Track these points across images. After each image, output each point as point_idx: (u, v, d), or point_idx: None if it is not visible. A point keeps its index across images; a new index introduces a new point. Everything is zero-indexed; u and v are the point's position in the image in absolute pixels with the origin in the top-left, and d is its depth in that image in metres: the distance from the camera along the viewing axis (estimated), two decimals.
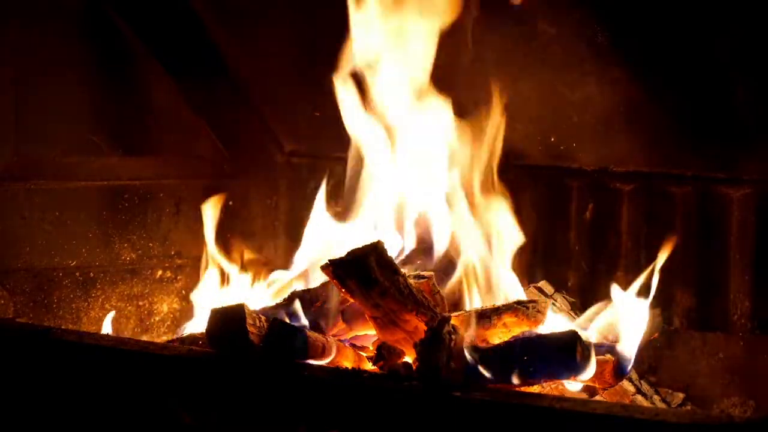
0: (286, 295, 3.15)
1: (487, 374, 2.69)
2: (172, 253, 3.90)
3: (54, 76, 3.74)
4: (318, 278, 3.17)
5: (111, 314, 3.63)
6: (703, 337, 3.55)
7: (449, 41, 3.31)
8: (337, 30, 3.55)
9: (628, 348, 2.97)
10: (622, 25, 3.32)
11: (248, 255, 3.75)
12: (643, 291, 3.20)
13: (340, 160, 3.86)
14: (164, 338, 3.66)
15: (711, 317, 3.56)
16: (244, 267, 3.69)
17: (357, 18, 3.32)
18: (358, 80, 3.39)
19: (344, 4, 3.43)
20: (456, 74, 3.41)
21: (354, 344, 3.05)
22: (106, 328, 3.57)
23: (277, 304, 3.11)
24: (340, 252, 2.91)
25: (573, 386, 2.97)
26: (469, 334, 2.77)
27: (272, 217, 4.12)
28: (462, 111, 3.39)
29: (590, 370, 2.75)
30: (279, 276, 3.46)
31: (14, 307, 3.48)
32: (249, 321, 2.83)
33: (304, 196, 4.00)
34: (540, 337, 2.80)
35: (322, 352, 2.91)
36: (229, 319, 2.86)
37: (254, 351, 2.81)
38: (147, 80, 3.96)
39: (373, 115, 3.38)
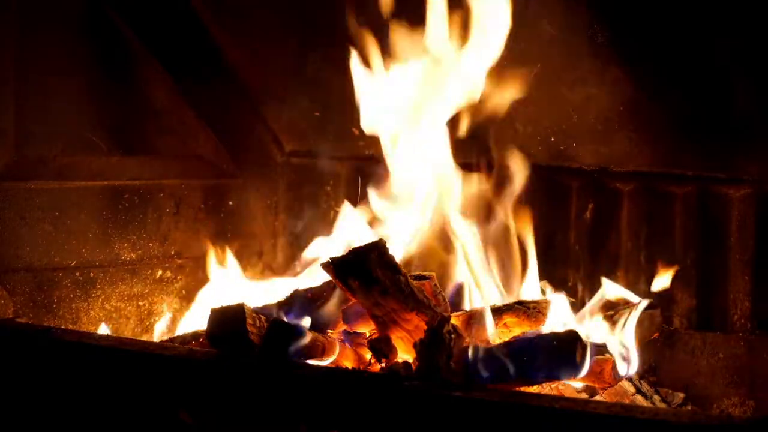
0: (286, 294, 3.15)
1: (487, 374, 2.69)
2: (172, 253, 3.90)
3: (54, 76, 3.74)
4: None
5: (102, 326, 3.64)
6: (703, 337, 3.55)
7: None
8: (337, 30, 3.56)
9: (630, 350, 2.98)
10: (622, 25, 3.32)
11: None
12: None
13: (340, 159, 3.87)
14: (164, 338, 3.65)
15: (711, 317, 3.56)
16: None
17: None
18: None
19: (343, 5, 3.44)
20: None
21: (355, 332, 3.05)
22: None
23: (277, 303, 3.11)
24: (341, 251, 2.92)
25: (574, 385, 2.97)
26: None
27: (272, 217, 4.12)
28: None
29: (585, 368, 2.76)
30: None
31: (14, 307, 3.48)
32: (249, 321, 2.84)
33: (304, 196, 4.01)
34: (540, 337, 2.80)
35: (323, 352, 2.91)
36: (229, 319, 2.86)
37: (254, 351, 2.82)
38: (147, 80, 3.96)
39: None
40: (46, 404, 2.90)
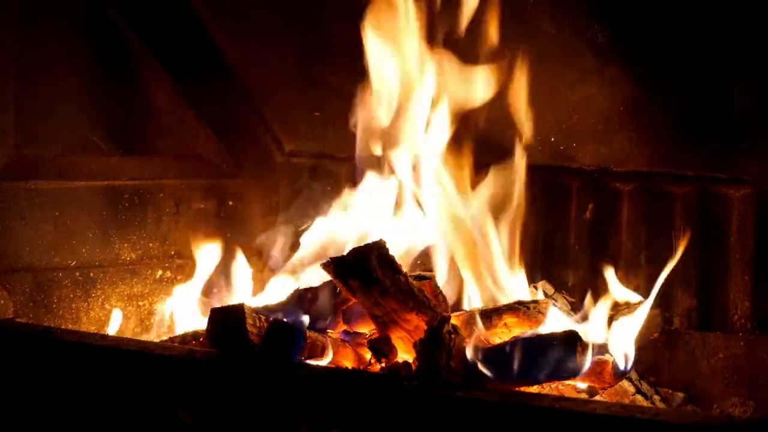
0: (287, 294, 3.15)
1: (487, 374, 2.69)
2: (172, 253, 3.90)
3: (54, 76, 3.74)
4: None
5: (116, 313, 3.64)
6: (703, 337, 3.55)
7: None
8: (337, 30, 3.56)
9: (627, 348, 2.98)
10: (622, 25, 3.32)
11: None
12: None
13: (340, 160, 3.87)
14: (164, 338, 3.65)
15: (711, 317, 3.56)
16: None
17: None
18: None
19: (344, 4, 3.44)
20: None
21: (355, 332, 3.05)
22: (114, 324, 3.58)
23: (277, 303, 3.11)
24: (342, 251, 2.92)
25: (583, 386, 2.97)
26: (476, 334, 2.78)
27: (272, 217, 4.12)
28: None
29: (585, 368, 2.76)
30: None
31: (14, 307, 3.48)
32: (249, 321, 2.84)
33: (304, 196, 4.01)
34: (540, 337, 2.80)
35: (322, 352, 2.91)
36: (228, 319, 2.86)
37: (254, 351, 2.82)
38: (147, 80, 3.96)
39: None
40: (46, 404, 2.90)
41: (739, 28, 3.18)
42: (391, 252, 2.92)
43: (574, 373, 2.75)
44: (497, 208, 3.38)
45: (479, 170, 3.42)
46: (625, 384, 3.17)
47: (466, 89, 3.35)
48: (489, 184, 3.36)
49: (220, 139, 4.04)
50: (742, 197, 3.48)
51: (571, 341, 2.73)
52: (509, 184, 3.37)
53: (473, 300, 3.26)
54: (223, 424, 2.73)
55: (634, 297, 3.27)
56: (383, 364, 2.90)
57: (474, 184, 3.40)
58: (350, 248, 2.92)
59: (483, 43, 3.34)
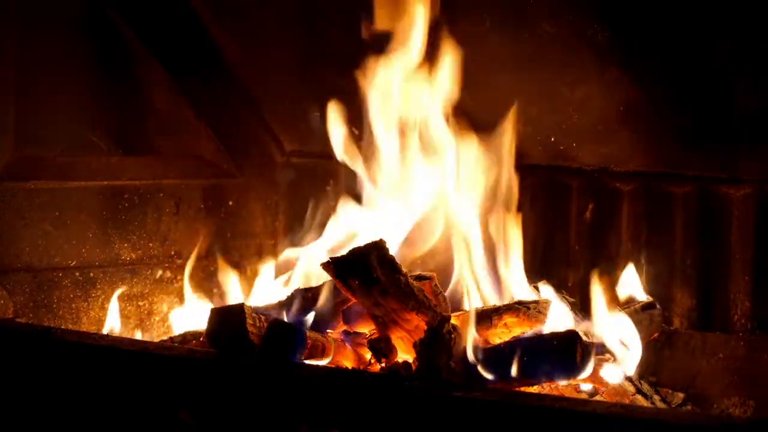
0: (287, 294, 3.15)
1: (487, 374, 2.69)
2: (172, 253, 3.90)
3: (54, 76, 3.74)
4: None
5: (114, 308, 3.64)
6: (703, 337, 3.55)
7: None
8: (338, 30, 3.56)
9: (629, 350, 2.98)
10: (622, 25, 3.32)
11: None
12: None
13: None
14: (164, 337, 3.65)
15: (711, 317, 3.55)
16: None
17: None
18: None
19: (345, 4, 3.44)
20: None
21: (355, 332, 3.05)
22: (112, 317, 3.58)
23: (277, 303, 3.11)
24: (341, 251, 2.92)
25: (583, 387, 2.97)
26: (471, 334, 2.77)
27: (272, 217, 4.12)
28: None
29: (589, 370, 2.75)
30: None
31: (14, 307, 3.48)
32: (249, 321, 2.84)
33: (304, 196, 4.01)
34: (540, 337, 2.80)
35: (322, 352, 2.91)
36: (229, 319, 2.86)
37: (254, 351, 2.82)
38: (147, 80, 3.96)
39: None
40: (46, 404, 2.90)
41: (739, 28, 3.18)
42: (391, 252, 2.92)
43: (575, 374, 2.75)
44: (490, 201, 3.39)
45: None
46: (625, 384, 3.17)
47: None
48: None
49: (220, 139, 4.04)
50: (742, 197, 3.48)
51: (571, 341, 2.73)
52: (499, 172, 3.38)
53: (473, 300, 3.26)
54: (223, 424, 2.73)
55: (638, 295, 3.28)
56: (383, 364, 2.90)
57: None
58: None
59: None
